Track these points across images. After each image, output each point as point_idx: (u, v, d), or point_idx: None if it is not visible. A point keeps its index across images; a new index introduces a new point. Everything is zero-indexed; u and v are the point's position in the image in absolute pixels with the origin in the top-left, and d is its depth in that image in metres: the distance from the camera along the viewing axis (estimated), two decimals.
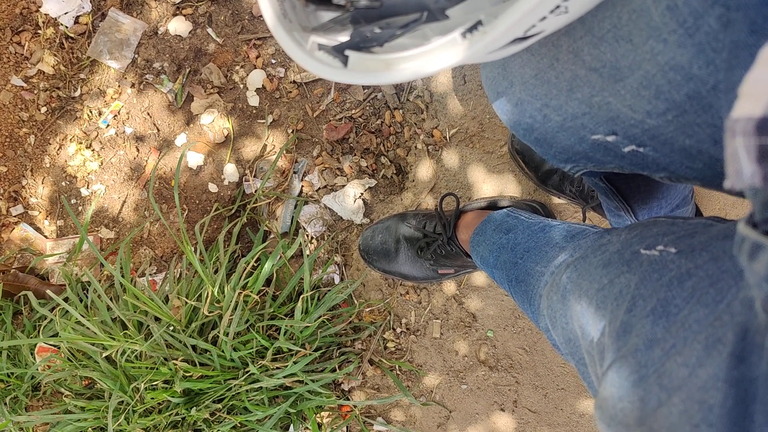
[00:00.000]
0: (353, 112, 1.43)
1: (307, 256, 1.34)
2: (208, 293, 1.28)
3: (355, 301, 1.37)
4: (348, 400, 1.33)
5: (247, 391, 1.29)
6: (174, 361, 1.24)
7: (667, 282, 0.49)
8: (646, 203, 0.88)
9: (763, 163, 0.29)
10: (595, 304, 0.57)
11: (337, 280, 1.41)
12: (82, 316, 1.28)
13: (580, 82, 0.53)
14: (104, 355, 1.27)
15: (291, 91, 1.46)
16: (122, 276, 1.31)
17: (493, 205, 1.24)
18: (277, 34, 0.50)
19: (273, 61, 1.48)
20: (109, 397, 1.34)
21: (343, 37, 0.48)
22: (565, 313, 0.66)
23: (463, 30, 0.39)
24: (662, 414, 0.41)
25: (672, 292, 0.47)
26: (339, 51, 0.45)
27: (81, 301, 1.42)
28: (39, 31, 1.55)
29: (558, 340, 0.71)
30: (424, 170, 1.35)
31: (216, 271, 1.34)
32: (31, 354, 1.43)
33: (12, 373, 1.43)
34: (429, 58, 0.41)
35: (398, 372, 1.34)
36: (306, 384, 1.27)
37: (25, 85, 1.54)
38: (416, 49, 0.42)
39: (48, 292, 1.26)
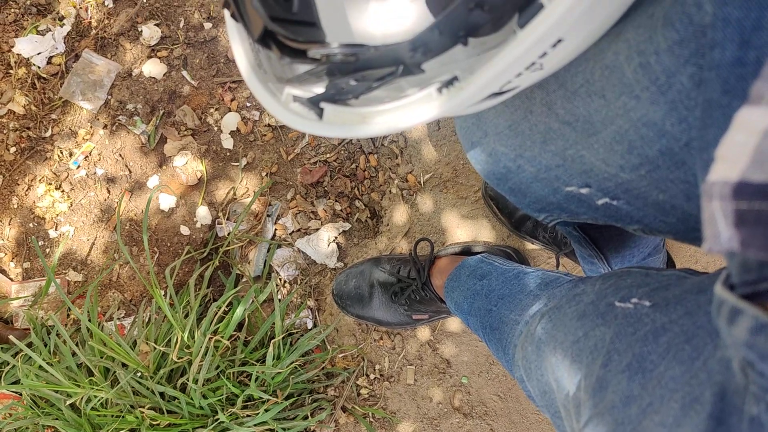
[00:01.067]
0: (328, 156, 1.43)
1: (279, 300, 1.33)
2: (177, 338, 1.26)
3: (328, 347, 1.35)
4: None
5: None
6: (141, 409, 1.20)
7: (642, 336, 0.48)
8: (619, 252, 0.88)
9: (741, 228, 0.29)
10: (570, 356, 0.56)
11: (310, 324, 1.39)
12: (46, 362, 1.24)
13: (554, 135, 0.53)
14: (68, 402, 1.23)
15: (265, 134, 1.46)
16: (89, 320, 1.28)
17: (467, 251, 1.24)
18: (252, 84, 0.49)
19: (248, 104, 1.48)
20: None
21: (318, 89, 0.48)
22: (540, 364, 0.65)
23: (439, 85, 0.39)
24: None
25: (647, 347, 0.47)
26: (314, 103, 0.45)
27: (45, 345, 1.38)
28: (11, 71, 1.53)
29: (533, 392, 0.70)
30: (399, 215, 1.35)
31: (186, 316, 1.31)
32: None
33: None
34: (405, 112, 0.41)
35: (371, 419, 1.31)
36: None
37: None
38: (392, 102, 0.42)
39: (10, 337, 1.22)
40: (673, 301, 0.49)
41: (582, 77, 0.48)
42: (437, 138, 1.33)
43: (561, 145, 0.53)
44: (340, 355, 1.34)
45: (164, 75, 1.51)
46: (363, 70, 0.46)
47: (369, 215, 1.41)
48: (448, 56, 0.46)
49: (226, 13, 0.52)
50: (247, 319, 1.34)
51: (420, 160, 1.35)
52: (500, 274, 0.95)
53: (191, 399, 1.24)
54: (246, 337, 1.35)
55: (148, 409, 1.21)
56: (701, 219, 0.50)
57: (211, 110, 1.49)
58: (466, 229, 1.30)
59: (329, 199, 1.42)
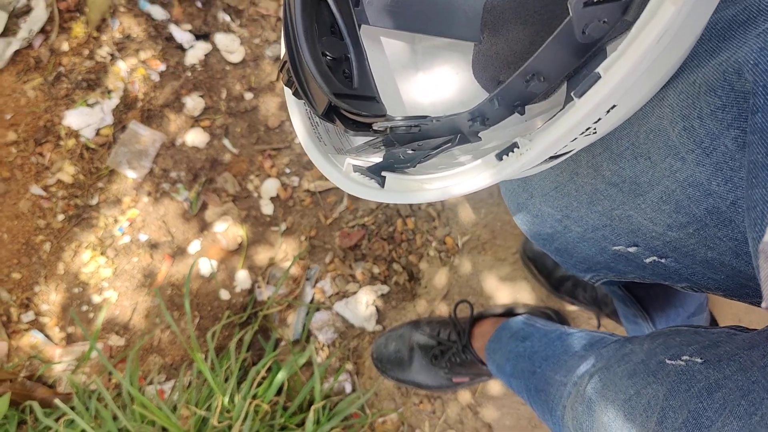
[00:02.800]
0: (366, 219, 1.45)
1: (319, 365, 1.33)
2: (218, 403, 1.26)
3: (368, 411, 1.34)
4: None
5: None
6: None
7: (696, 393, 0.48)
8: (664, 311, 0.88)
9: None
10: (623, 415, 0.56)
11: (348, 388, 1.39)
12: (89, 425, 1.25)
13: (600, 196, 0.54)
14: None
15: (304, 200, 1.50)
16: (131, 384, 1.29)
17: (508, 313, 1.24)
18: (314, 157, 0.52)
19: (287, 171, 1.52)
20: None
21: (376, 158, 0.50)
22: (592, 425, 0.65)
23: (498, 152, 0.41)
24: None
25: (702, 403, 0.47)
26: (375, 172, 0.47)
27: (87, 410, 1.39)
28: (60, 143, 1.60)
29: None
30: (437, 277, 1.36)
31: (226, 380, 1.32)
32: None
33: None
34: (465, 178, 0.43)
35: None
36: None
37: (44, 193, 1.57)
38: (451, 170, 0.44)
39: (56, 401, 1.24)
40: (725, 358, 0.50)
41: (627, 140, 0.50)
42: (474, 200, 1.35)
43: (608, 206, 0.54)
44: (380, 420, 1.33)
45: (206, 144, 1.56)
46: (421, 139, 0.48)
47: (407, 278, 1.42)
48: (501, 124, 0.48)
49: (287, 91, 0.55)
50: (286, 382, 1.34)
51: (457, 222, 1.36)
52: (543, 336, 0.95)
53: None
54: (285, 402, 1.35)
55: None
56: (750, 275, 0.50)
57: (251, 177, 1.53)
58: (505, 290, 1.31)
59: (367, 262, 1.44)
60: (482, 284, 1.32)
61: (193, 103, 1.57)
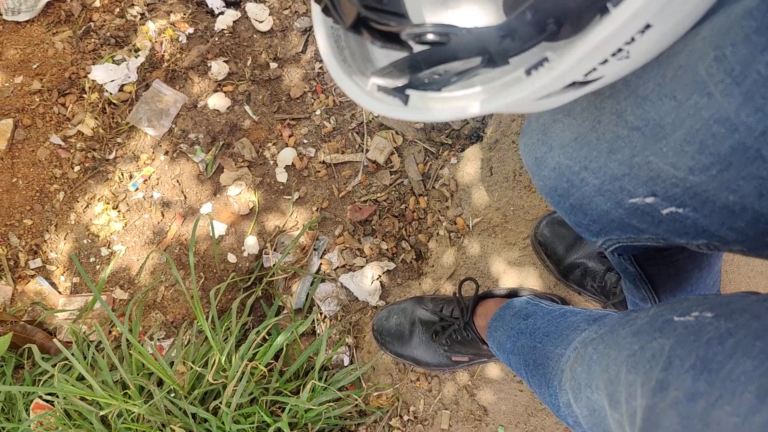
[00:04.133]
0: (378, 195, 1.45)
1: (318, 334, 1.33)
2: (215, 360, 1.26)
3: (364, 385, 1.34)
4: None
5: None
6: (172, 427, 1.19)
7: (705, 342, 0.47)
8: (675, 294, 0.87)
9: None
10: (626, 369, 0.55)
11: (346, 361, 1.38)
12: (85, 371, 1.25)
13: (622, 143, 0.54)
14: (101, 413, 1.23)
15: (319, 171, 1.50)
16: (130, 332, 1.29)
17: (513, 294, 1.23)
18: (338, 77, 0.52)
19: (305, 141, 1.52)
20: None
21: (400, 83, 0.50)
22: (591, 383, 0.64)
23: (527, 67, 0.41)
24: None
25: (712, 349, 0.45)
26: (399, 91, 0.47)
27: (85, 358, 1.39)
28: (84, 95, 1.61)
29: (580, 413, 0.68)
30: (445, 257, 1.36)
31: (225, 340, 1.32)
32: (26, 410, 1.39)
33: (3, 428, 1.38)
34: (492, 94, 0.42)
35: None
36: None
37: (62, 143, 1.58)
38: (479, 86, 0.44)
39: (55, 341, 1.24)
40: (738, 311, 0.48)
41: (653, 81, 0.49)
42: (489, 183, 1.35)
43: (628, 153, 0.54)
44: (375, 394, 1.32)
45: (227, 108, 1.57)
46: (447, 61, 0.48)
47: (414, 257, 1.42)
48: (533, 52, 0.48)
49: (315, 7, 0.55)
50: (284, 349, 1.34)
51: (470, 204, 1.36)
52: (546, 314, 0.95)
53: (222, 423, 1.23)
54: (282, 367, 1.34)
55: (178, 428, 1.21)
56: None
57: (269, 144, 1.54)
58: (512, 275, 1.30)
59: (376, 237, 1.44)
60: (490, 267, 1.32)
61: (218, 67, 1.58)
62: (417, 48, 0.47)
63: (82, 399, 1.30)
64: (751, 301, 0.49)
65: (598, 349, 0.64)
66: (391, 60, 0.53)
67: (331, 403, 1.30)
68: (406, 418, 1.30)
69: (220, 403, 1.22)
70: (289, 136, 1.53)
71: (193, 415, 1.25)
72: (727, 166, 0.46)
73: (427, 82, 0.48)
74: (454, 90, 0.47)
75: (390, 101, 0.49)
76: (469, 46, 0.46)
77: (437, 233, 1.38)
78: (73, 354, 1.34)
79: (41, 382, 1.33)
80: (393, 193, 1.45)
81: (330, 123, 1.52)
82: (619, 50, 0.40)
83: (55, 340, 1.27)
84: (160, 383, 1.34)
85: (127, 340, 1.39)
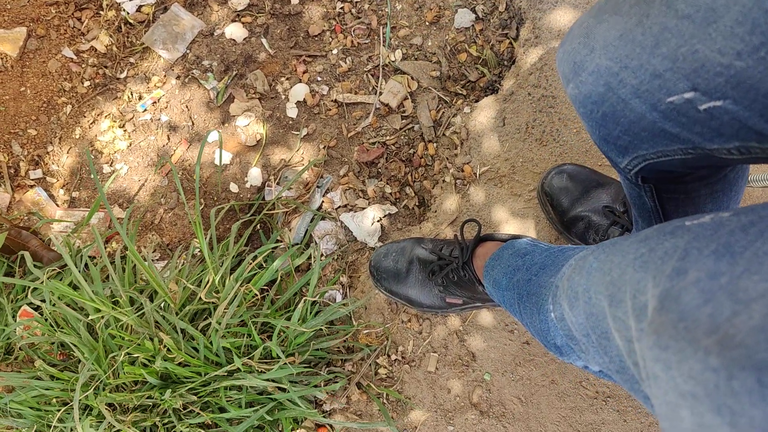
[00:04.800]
0: (387, 138, 1.44)
1: (318, 263, 1.32)
2: (209, 280, 1.25)
3: (354, 322, 1.33)
4: (327, 419, 1.27)
5: (226, 388, 1.23)
6: (160, 336, 1.19)
7: (727, 232, 0.44)
8: None
9: None
10: (632, 269, 0.53)
11: (339, 298, 1.38)
12: (75, 284, 1.24)
13: (669, 34, 0.53)
14: (89, 319, 1.22)
15: (330, 109, 1.49)
16: (128, 246, 1.28)
17: (514, 239, 1.22)
18: None
19: (319, 79, 1.51)
20: (82, 368, 1.27)
21: None
22: (589, 288, 0.62)
23: None
24: (740, 320, 0.37)
25: (735, 237, 0.43)
26: None
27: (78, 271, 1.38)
28: (101, 12, 1.59)
29: (576, 321, 0.67)
30: (448, 203, 1.35)
31: (222, 264, 1.31)
32: (13, 317, 1.38)
33: None
34: None
35: (385, 400, 1.28)
36: (288, 392, 1.21)
37: (75, 57, 1.57)
38: None
39: (55, 244, 1.23)
40: (759, 208, 0.47)
41: None
42: (501, 133, 1.34)
43: (674, 44, 0.53)
44: (365, 331, 1.32)
45: (244, 39, 1.55)
46: None
47: (417, 203, 1.41)
48: None
49: None
50: (279, 279, 1.33)
51: (479, 152, 1.35)
52: (543, 250, 0.94)
53: (210, 343, 1.22)
54: (274, 296, 1.34)
55: (167, 338, 1.20)
56: None
57: (282, 79, 1.52)
58: (514, 225, 1.29)
59: (381, 180, 1.43)
60: (493, 216, 1.31)
61: None
62: None
63: (70, 308, 1.29)
64: None
65: (599, 258, 0.62)
66: None
67: (320, 333, 1.29)
68: (393, 357, 1.29)
69: (211, 322, 1.21)
70: (303, 72, 1.52)
71: (182, 332, 1.24)
72: None
73: None
74: None
75: None
76: None
77: (443, 180, 1.38)
78: (65, 265, 1.33)
79: (30, 290, 1.32)
80: (402, 137, 1.44)
81: (346, 63, 1.51)
82: None
83: (54, 242, 1.26)
84: (151, 299, 1.33)
85: (121, 256, 1.38)
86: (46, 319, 1.35)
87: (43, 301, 1.35)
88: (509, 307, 0.97)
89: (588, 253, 0.68)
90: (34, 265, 1.37)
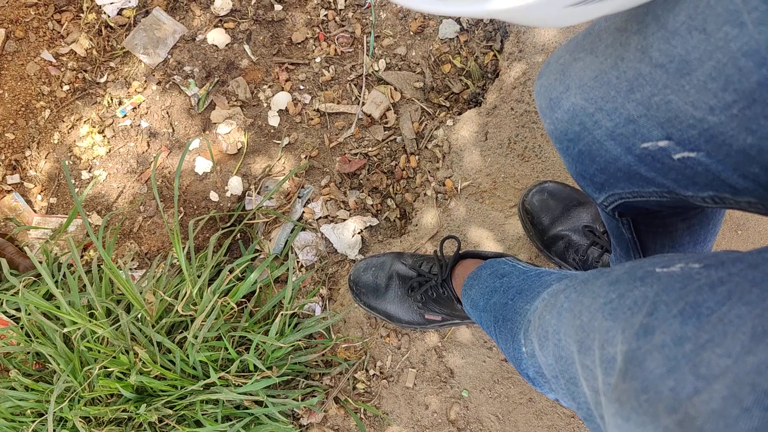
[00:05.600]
0: (370, 149, 1.44)
1: (294, 279, 1.31)
2: (186, 292, 1.24)
3: (333, 336, 1.33)
4: None
5: (202, 402, 1.22)
6: (136, 350, 1.17)
7: (695, 289, 0.44)
8: None
9: None
10: (601, 316, 0.53)
11: (318, 311, 1.37)
12: (51, 294, 1.22)
13: (643, 81, 0.52)
14: (65, 330, 1.21)
15: (313, 119, 1.47)
16: (106, 256, 1.26)
17: (494, 257, 1.22)
18: None
19: (301, 87, 1.50)
20: (58, 380, 1.26)
21: None
22: (559, 329, 0.62)
23: None
24: (701, 400, 0.36)
25: (702, 296, 0.42)
26: None
27: (54, 279, 1.37)
28: (81, 14, 1.57)
29: (545, 362, 0.67)
30: (429, 217, 1.34)
31: (199, 276, 1.30)
32: None
33: None
34: None
35: (362, 416, 1.27)
36: (265, 407, 1.21)
37: (54, 60, 1.54)
38: None
39: (29, 253, 1.22)
40: (730, 261, 0.46)
41: (685, 14, 0.47)
42: (483, 148, 1.34)
43: (648, 92, 0.52)
44: (343, 345, 1.31)
45: (226, 45, 1.54)
46: None
47: (399, 215, 1.40)
48: None
49: None
50: (258, 290, 1.32)
51: (461, 167, 1.35)
52: (521, 273, 0.93)
53: (187, 356, 1.21)
54: (253, 309, 1.33)
55: (143, 352, 1.19)
56: None
57: (265, 87, 1.51)
58: (495, 241, 1.29)
59: (362, 192, 1.42)
60: (473, 232, 1.31)
61: (221, 2, 1.55)
62: None
63: (46, 317, 1.27)
64: (744, 253, 0.47)
65: (570, 297, 0.62)
66: None
67: (298, 347, 1.29)
68: (371, 372, 1.29)
69: (187, 335, 1.20)
70: (286, 81, 1.50)
71: (159, 344, 1.23)
72: (751, 104, 0.44)
73: None
74: None
75: None
76: None
77: (424, 194, 1.37)
78: (40, 274, 1.31)
79: (5, 300, 1.30)
80: (384, 149, 1.44)
81: (329, 72, 1.50)
82: None
83: (29, 252, 1.24)
84: (128, 310, 1.32)
85: (98, 265, 1.36)
86: (22, 327, 1.34)
87: (19, 309, 1.33)
88: (486, 328, 0.97)
89: (560, 289, 0.68)
90: (11, 273, 1.36)
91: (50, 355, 1.22)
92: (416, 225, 1.35)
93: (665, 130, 0.53)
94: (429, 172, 1.38)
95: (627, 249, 0.85)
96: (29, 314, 1.27)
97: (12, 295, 1.32)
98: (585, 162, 0.65)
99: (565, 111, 0.63)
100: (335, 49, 1.51)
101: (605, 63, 0.56)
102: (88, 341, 1.22)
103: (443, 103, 1.45)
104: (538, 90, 0.68)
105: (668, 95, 0.50)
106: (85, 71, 1.54)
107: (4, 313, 1.38)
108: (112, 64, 1.55)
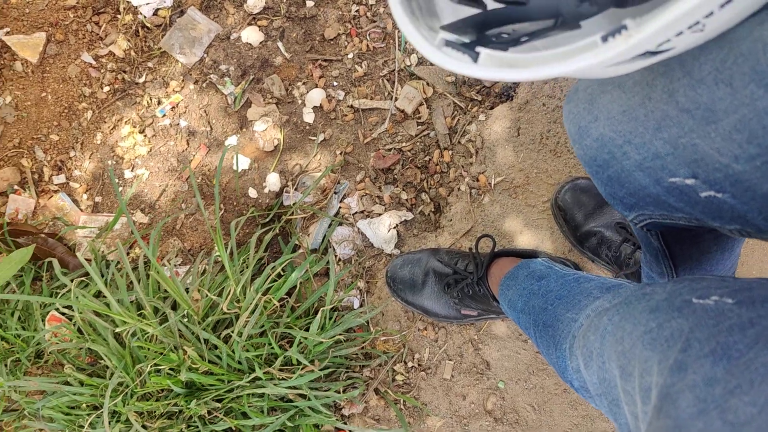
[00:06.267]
0: (403, 144, 1.46)
1: (335, 274, 1.35)
2: (230, 291, 1.29)
3: (372, 329, 1.37)
4: (346, 425, 1.31)
5: (249, 395, 1.28)
6: (185, 348, 1.23)
7: (726, 328, 0.47)
8: (693, 273, 0.88)
9: None
10: (641, 345, 0.55)
11: (356, 304, 1.41)
12: (102, 292, 1.28)
13: (670, 122, 0.54)
14: (116, 331, 1.26)
15: (347, 115, 1.50)
16: (153, 255, 1.32)
17: (528, 255, 1.25)
18: (406, 28, 0.52)
19: (335, 84, 1.52)
20: (111, 376, 1.33)
21: (467, 39, 0.50)
22: (603, 352, 0.65)
23: (604, 33, 0.41)
24: None
25: (733, 337, 0.45)
26: (469, 47, 0.47)
27: (103, 276, 1.43)
28: (118, 16, 1.60)
29: (590, 380, 0.70)
30: (463, 212, 1.37)
31: (242, 272, 1.35)
32: (42, 321, 1.43)
33: (19, 335, 1.42)
34: (564, 59, 0.43)
35: (402, 406, 1.32)
36: (309, 399, 1.26)
37: (93, 62, 1.59)
38: (550, 50, 0.44)
39: (78, 255, 1.27)
40: (760, 300, 0.48)
41: (711, 65, 0.49)
42: (516, 144, 1.35)
43: (675, 133, 0.54)
44: (382, 338, 1.36)
45: (260, 43, 1.56)
46: (520, 21, 0.48)
47: (433, 209, 1.43)
48: (608, 15, 0.48)
49: None
50: (298, 286, 1.37)
51: (494, 162, 1.36)
52: (559, 277, 0.96)
53: (232, 351, 1.26)
54: (294, 304, 1.37)
55: (191, 350, 1.24)
56: None
57: (299, 84, 1.54)
58: (528, 236, 1.31)
59: (397, 187, 1.45)
60: (507, 227, 1.33)
61: (254, 0, 1.57)
62: (492, 5, 0.47)
63: (97, 315, 1.34)
64: None
65: (612, 321, 0.65)
66: (458, 17, 0.53)
67: (339, 341, 1.33)
68: (410, 364, 1.33)
69: (232, 332, 1.26)
70: (320, 77, 1.53)
71: (205, 341, 1.28)
72: None
73: (494, 41, 0.48)
74: (524, 52, 0.47)
75: (459, 57, 0.49)
76: (545, 7, 0.46)
77: (458, 188, 1.39)
78: (88, 273, 1.37)
79: (59, 296, 1.37)
80: (418, 144, 1.46)
81: (361, 68, 1.52)
82: (697, 23, 0.40)
83: (78, 254, 1.30)
84: (174, 307, 1.37)
85: (144, 262, 1.42)
86: (74, 324, 1.41)
87: (70, 307, 1.40)
88: (525, 329, 1.00)
89: (604, 309, 0.71)
90: (62, 272, 1.42)
91: (104, 354, 1.28)
92: (450, 220, 1.38)
93: (692, 170, 0.54)
94: (462, 167, 1.41)
95: (656, 256, 0.87)
96: (81, 312, 1.33)
97: (65, 293, 1.38)
98: (614, 186, 0.67)
99: (593, 140, 0.64)
100: (367, 45, 1.53)
101: (633, 100, 0.58)
102: (138, 339, 1.27)
103: (475, 97, 1.46)
104: (567, 115, 0.69)
105: (694, 139, 0.52)
106: (124, 72, 1.58)
107: (57, 310, 1.44)
108: (150, 64, 1.59)
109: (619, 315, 0.64)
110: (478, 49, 0.47)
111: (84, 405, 1.35)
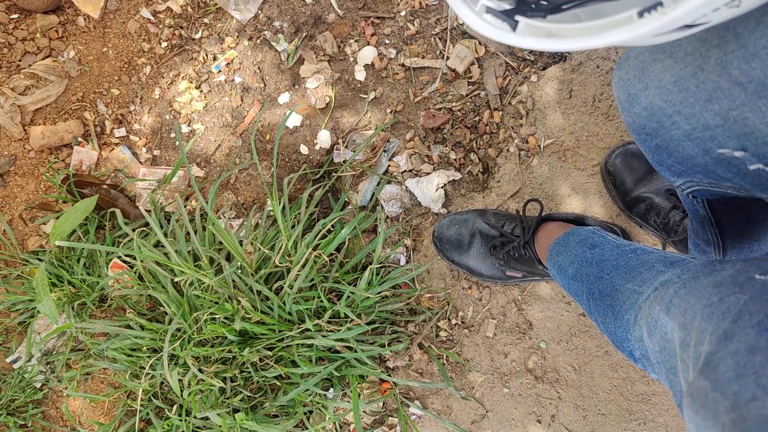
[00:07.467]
0: (454, 104, 1.46)
1: (383, 231, 1.38)
2: (282, 245, 1.34)
3: (417, 286, 1.40)
4: (390, 377, 1.37)
5: (298, 345, 1.34)
6: (239, 299, 1.29)
7: None
8: (740, 242, 0.88)
9: None
10: (700, 317, 0.57)
11: (403, 261, 1.45)
12: (161, 243, 1.34)
13: (721, 95, 0.54)
14: (175, 280, 1.33)
15: (398, 73, 1.51)
16: (209, 209, 1.37)
17: (576, 221, 1.25)
18: None
19: (387, 42, 1.52)
20: (170, 321, 1.40)
21: (507, 5, 0.51)
22: (666, 323, 0.67)
23: (641, 8, 0.42)
24: (756, 406, 0.42)
25: None
26: (508, 16, 0.48)
27: (162, 227, 1.49)
28: None
29: (652, 348, 0.71)
30: (511, 174, 1.37)
31: (293, 227, 1.39)
32: (105, 268, 1.51)
33: (84, 280, 1.51)
34: (600, 32, 0.44)
35: (445, 361, 1.37)
36: (355, 351, 1.31)
37: (152, 18, 1.62)
38: (587, 22, 0.45)
39: (140, 207, 1.33)
40: None
41: (766, 40, 0.49)
42: (567, 106, 1.34)
43: (726, 105, 0.54)
44: (427, 296, 1.39)
45: (313, 0, 1.57)
46: None
47: (481, 170, 1.44)
48: None
49: None
50: (346, 242, 1.41)
51: (544, 124, 1.36)
52: (614, 247, 0.96)
53: (283, 303, 1.32)
54: (342, 260, 1.42)
55: (245, 301, 1.30)
56: None
57: (351, 41, 1.54)
58: (576, 200, 1.32)
59: (446, 146, 1.46)
60: (555, 189, 1.33)
61: None
62: None
63: (157, 264, 1.41)
64: None
65: (678, 294, 0.66)
66: None
67: (385, 297, 1.38)
68: (453, 321, 1.36)
69: (283, 284, 1.31)
70: (372, 35, 1.53)
71: (258, 292, 1.34)
72: None
73: (534, 8, 0.49)
74: (561, 22, 0.48)
75: (498, 24, 0.50)
76: None
77: (507, 150, 1.40)
78: (148, 224, 1.44)
79: (121, 245, 1.44)
80: (468, 104, 1.46)
81: (414, 26, 1.51)
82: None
83: (139, 206, 1.36)
84: (228, 259, 1.43)
85: (201, 214, 1.48)
86: (136, 271, 1.48)
87: (132, 256, 1.48)
88: (576, 296, 1.01)
89: (672, 282, 0.72)
90: (124, 222, 1.49)
91: (163, 301, 1.36)
92: (498, 181, 1.39)
93: (741, 142, 0.55)
94: (512, 128, 1.41)
95: (702, 223, 0.87)
96: (142, 261, 1.40)
97: (126, 242, 1.45)
98: (662, 154, 0.67)
99: (643, 108, 0.64)
100: (420, 2, 1.52)
101: (684, 70, 0.58)
102: (195, 288, 1.34)
103: (527, 57, 1.45)
104: (617, 82, 0.70)
105: (745, 112, 0.52)
106: (181, 28, 1.62)
107: (119, 258, 1.52)
108: (206, 20, 1.61)
109: (686, 289, 0.66)
110: (518, 17, 0.48)
111: (144, 348, 1.43)
